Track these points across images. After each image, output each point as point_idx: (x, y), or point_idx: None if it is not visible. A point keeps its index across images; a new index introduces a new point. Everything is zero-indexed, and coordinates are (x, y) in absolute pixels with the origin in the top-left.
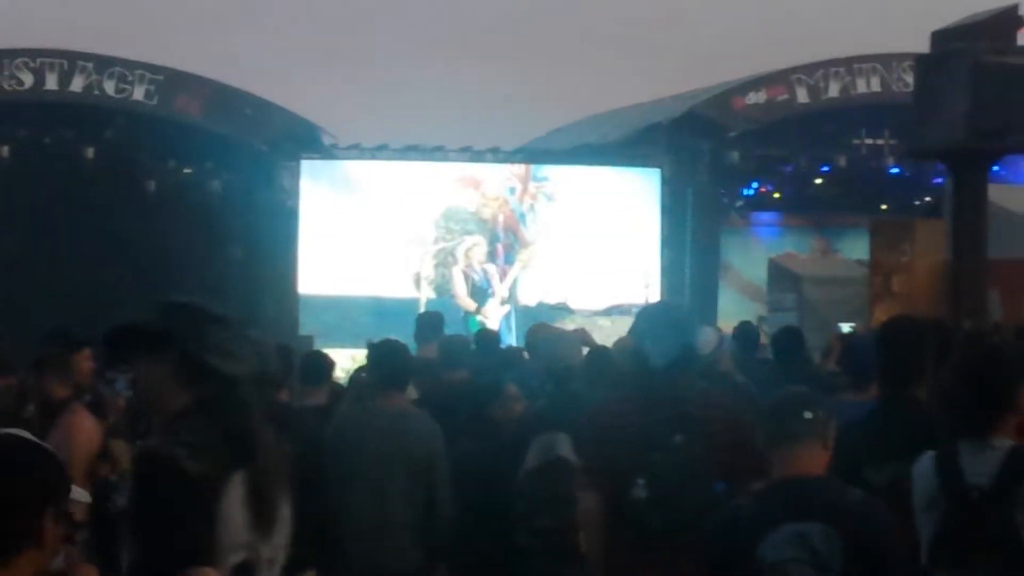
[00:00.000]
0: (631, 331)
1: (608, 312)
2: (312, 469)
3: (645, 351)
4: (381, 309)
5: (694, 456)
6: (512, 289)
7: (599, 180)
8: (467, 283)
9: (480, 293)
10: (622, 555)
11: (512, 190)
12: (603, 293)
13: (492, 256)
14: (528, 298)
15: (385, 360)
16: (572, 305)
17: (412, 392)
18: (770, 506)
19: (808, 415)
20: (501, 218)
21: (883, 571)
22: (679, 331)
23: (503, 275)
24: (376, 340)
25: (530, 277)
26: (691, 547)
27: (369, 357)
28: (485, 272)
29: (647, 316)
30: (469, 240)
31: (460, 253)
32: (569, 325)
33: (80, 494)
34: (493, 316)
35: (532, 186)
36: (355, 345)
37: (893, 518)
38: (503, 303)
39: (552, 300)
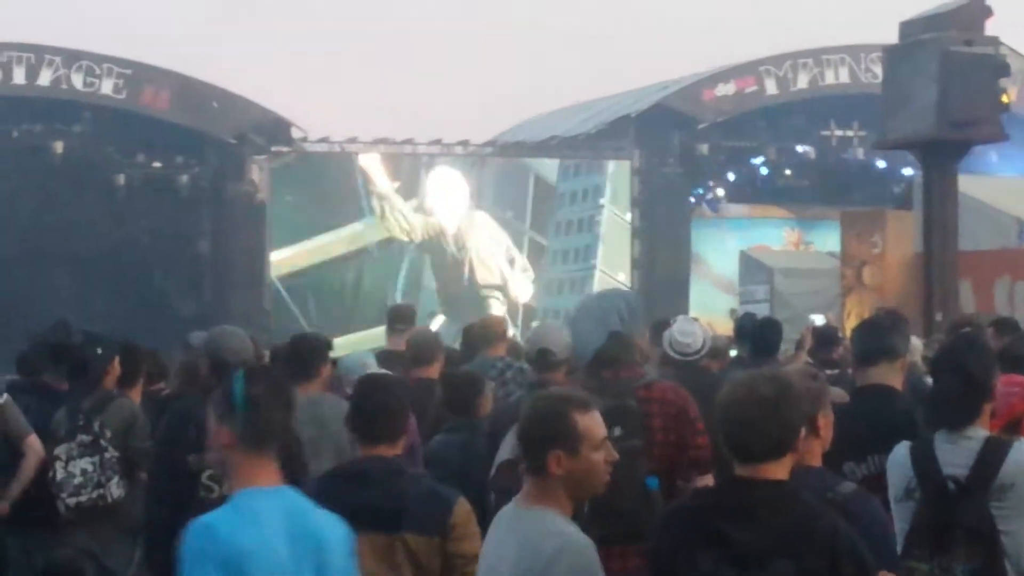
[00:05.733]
0: (569, 321)
1: None
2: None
3: (579, 341)
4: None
5: (630, 449)
6: None
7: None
8: None
9: None
10: None
11: None
12: None
13: None
14: None
15: (296, 352)
16: None
17: None
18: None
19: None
20: None
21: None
22: (605, 321)
23: None
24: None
25: None
26: (620, 538)
27: (287, 350)
28: None
29: (578, 306)
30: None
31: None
32: None
33: None
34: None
35: None
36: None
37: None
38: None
39: None
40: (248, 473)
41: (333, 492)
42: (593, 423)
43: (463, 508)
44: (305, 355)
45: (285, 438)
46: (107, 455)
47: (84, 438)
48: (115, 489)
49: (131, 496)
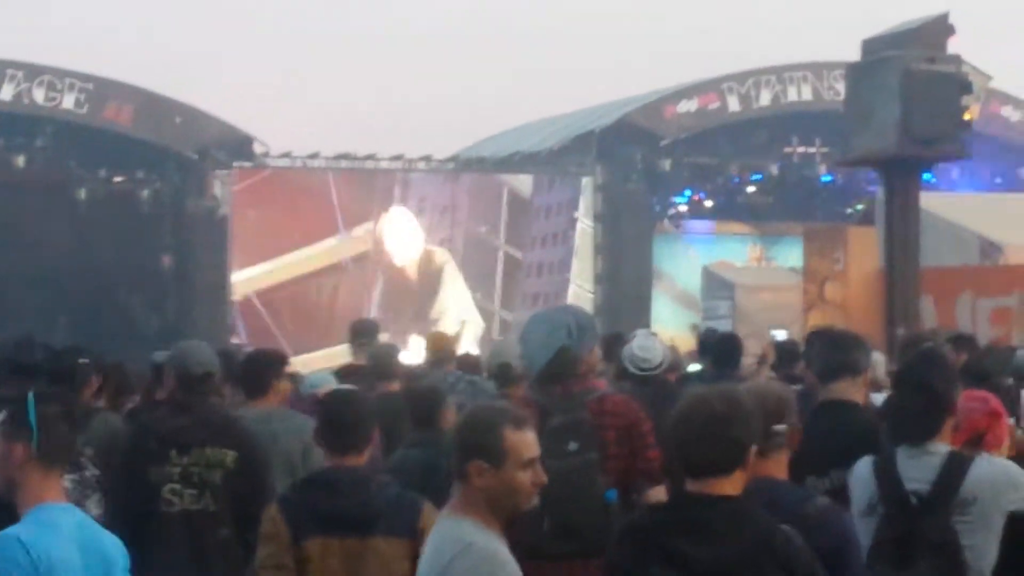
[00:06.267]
0: (519, 337)
1: None
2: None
3: (523, 356)
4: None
5: (586, 463)
6: None
7: None
8: None
9: None
10: (518, 562)
11: None
12: None
13: None
14: None
15: (249, 369)
16: None
17: None
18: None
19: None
20: None
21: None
22: (553, 336)
23: None
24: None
25: None
26: (581, 554)
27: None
28: None
29: (528, 321)
30: None
31: None
32: None
33: None
34: None
35: None
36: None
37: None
38: None
39: None
40: (40, 490)
41: (305, 500)
42: (523, 441)
43: (431, 511)
44: (258, 371)
45: (72, 457)
46: (87, 473)
47: None
48: (93, 508)
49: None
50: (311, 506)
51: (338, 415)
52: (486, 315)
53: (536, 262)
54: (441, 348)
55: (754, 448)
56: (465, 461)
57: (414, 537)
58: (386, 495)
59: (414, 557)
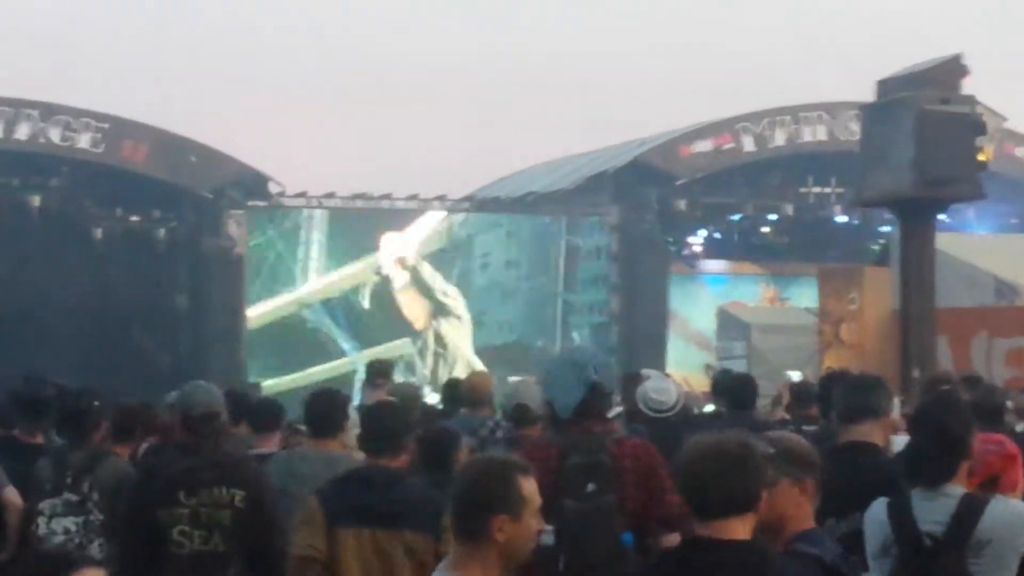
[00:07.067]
0: (539, 379)
1: None
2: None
3: (551, 398)
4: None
5: (604, 505)
6: None
7: None
8: None
9: None
10: None
11: None
12: None
13: None
14: None
15: (315, 406)
16: None
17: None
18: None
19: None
20: None
21: None
22: (579, 372)
23: None
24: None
25: None
26: None
27: (303, 404)
28: None
29: (550, 363)
30: None
31: None
32: None
33: None
34: None
35: None
36: None
37: None
38: None
39: None
40: None
41: (341, 493)
42: (533, 488)
43: None
44: (325, 411)
45: None
46: (92, 517)
47: (71, 497)
48: (96, 553)
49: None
50: (347, 498)
51: (378, 420)
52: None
53: (586, 303)
54: (482, 392)
55: (764, 494)
56: (487, 516)
57: (438, 537)
58: (415, 493)
59: (436, 555)
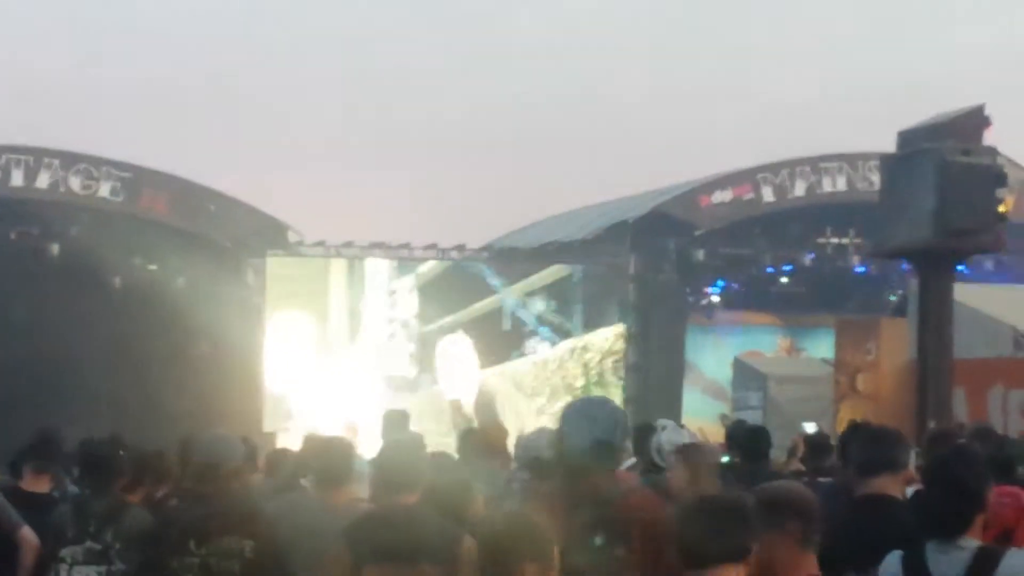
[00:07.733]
0: (559, 432)
1: None
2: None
3: (561, 449)
4: None
5: (612, 559)
6: None
7: None
8: None
9: None
10: None
11: None
12: None
13: None
14: None
15: (324, 456)
16: None
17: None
18: None
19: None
20: None
21: None
22: (592, 426)
23: None
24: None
25: None
26: None
27: (312, 453)
28: None
29: (564, 414)
30: None
31: None
32: None
33: None
34: None
35: None
36: None
37: None
38: None
39: None
40: None
41: (365, 533)
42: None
43: (470, 544)
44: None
45: None
46: (114, 567)
47: (93, 546)
48: None
49: None
50: (370, 538)
51: (392, 461)
52: None
53: None
54: (499, 444)
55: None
56: (517, 566)
57: (454, 564)
58: (430, 526)
59: None
